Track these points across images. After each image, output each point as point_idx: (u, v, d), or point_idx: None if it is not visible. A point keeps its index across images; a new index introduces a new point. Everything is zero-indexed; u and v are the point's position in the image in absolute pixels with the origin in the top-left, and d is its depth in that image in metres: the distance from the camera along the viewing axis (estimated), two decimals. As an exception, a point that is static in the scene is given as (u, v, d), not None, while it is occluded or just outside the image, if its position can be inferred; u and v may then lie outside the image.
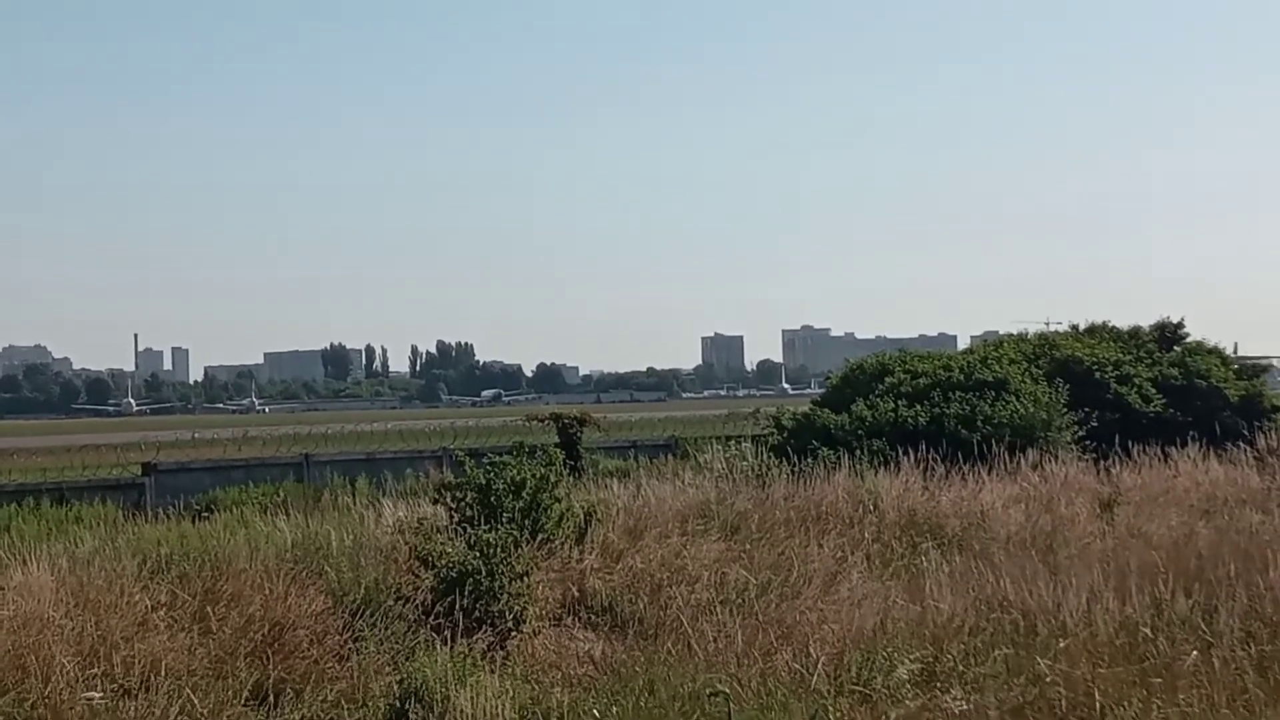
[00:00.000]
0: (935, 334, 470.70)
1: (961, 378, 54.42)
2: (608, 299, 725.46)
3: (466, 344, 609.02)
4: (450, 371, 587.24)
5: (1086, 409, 54.11)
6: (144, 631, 22.92)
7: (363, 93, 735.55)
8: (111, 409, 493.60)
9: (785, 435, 52.69)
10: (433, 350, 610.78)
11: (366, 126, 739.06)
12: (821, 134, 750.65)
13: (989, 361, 56.90)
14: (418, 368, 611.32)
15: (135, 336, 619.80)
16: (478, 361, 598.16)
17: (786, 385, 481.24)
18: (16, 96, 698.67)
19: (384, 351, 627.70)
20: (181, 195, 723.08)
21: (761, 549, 30.83)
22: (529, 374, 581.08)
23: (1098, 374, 58.38)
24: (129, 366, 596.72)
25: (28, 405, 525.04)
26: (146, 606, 23.83)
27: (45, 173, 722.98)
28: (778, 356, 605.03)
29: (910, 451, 43.18)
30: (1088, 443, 51.52)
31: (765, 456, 45.63)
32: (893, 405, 52.05)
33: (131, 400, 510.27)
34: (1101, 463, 47.71)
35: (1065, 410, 52.91)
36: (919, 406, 51.74)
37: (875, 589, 27.49)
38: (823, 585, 27.74)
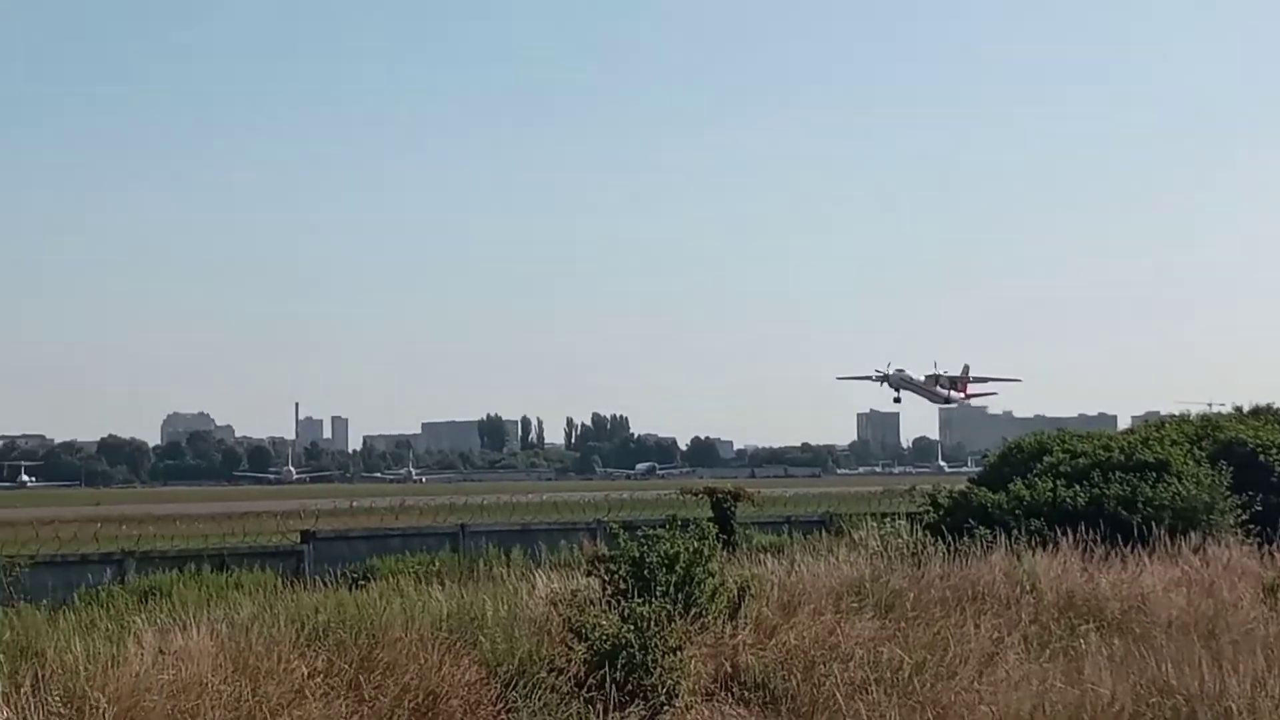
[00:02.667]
0: (1095, 413, 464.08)
1: (1122, 458, 53.61)
2: (764, 374, 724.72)
3: (622, 416, 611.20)
4: (605, 444, 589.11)
5: (1250, 492, 53.03)
6: (300, 699, 23.14)
7: (528, 168, 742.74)
8: (272, 476, 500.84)
9: (941, 513, 52.19)
10: (588, 422, 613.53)
11: (522, 196, 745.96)
12: (978, 213, 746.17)
13: (1150, 442, 56.02)
14: (573, 439, 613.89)
15: (296, 405, 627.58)
16: (633, 434, 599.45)
17: (943, 463, 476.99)
18: (191, 174, 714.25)
19: (540, 423, 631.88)
20: (342, 268, 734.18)
21: (916, 628, 30.53)
22: (683, 447, 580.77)
23: (1262, 457, 57.23)
24: (290, 435, 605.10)
25: (191, 472, 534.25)
26: (303, 674, 24.06)
27: (208, 247, 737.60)
28: (934, 434, 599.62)
29: (1069, 532, 42.62)
30: (1251, 526, 50.51)
31: (921, 534, 45.24)
32: (1051, 485, 51.39)
33: (291, 468, 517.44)
34: (1266, 547, 46.75)
35: (1228, 493, 51.90)
36: (1078, 486, 51.03)
37: (1032, 671, 27.10)
38: (979, 666, 27.40)
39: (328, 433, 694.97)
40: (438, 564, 55.94)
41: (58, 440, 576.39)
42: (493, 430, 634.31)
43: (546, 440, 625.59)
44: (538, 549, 58.25)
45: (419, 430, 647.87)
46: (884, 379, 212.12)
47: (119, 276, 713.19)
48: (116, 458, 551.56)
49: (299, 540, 63.65)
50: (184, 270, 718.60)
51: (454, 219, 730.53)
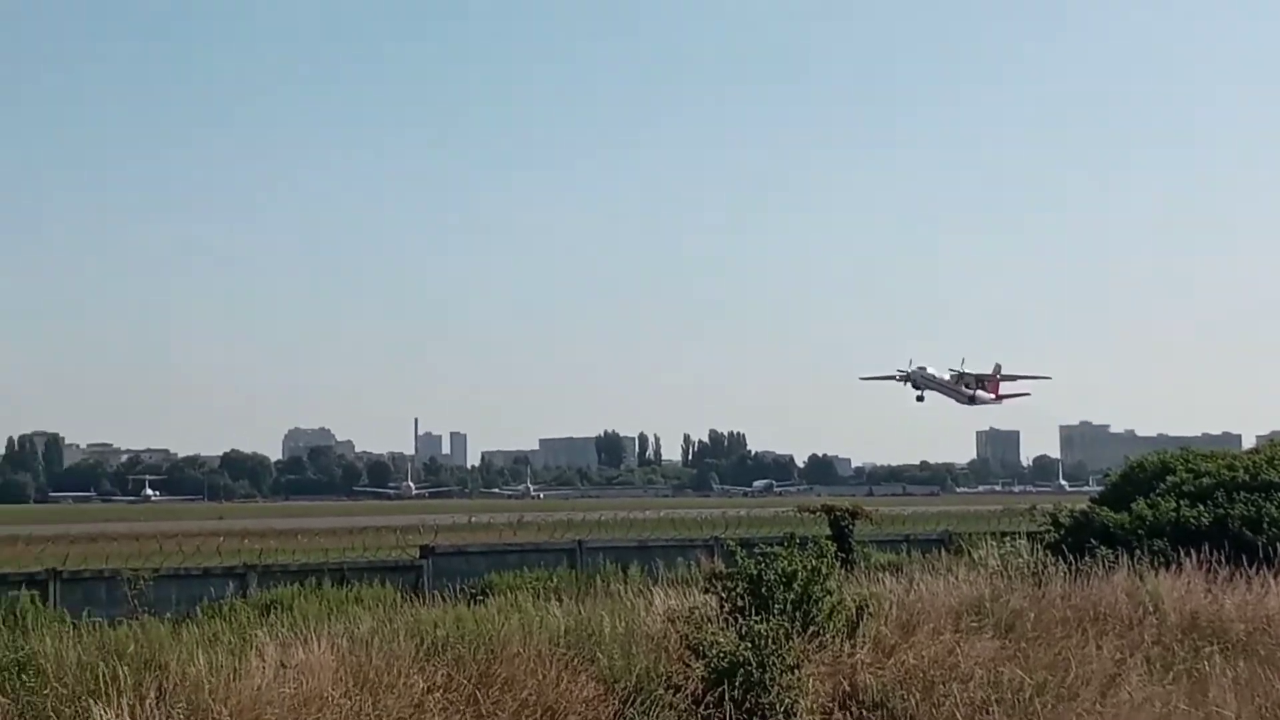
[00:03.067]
0: (1219, 433, 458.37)
1: (1247, 478, 52.82)
2: (882, 391, 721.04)
3: (739, 434, 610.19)
4: (722, 461, 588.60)
5: (1380, 513, 52.03)
6: (419, 713, 23.27)
7: (641, 189, 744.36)
8: (392, 492, 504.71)
9: (1062, 533, 51.69)
10: (705, 439, 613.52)
11: (636, 217, 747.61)
12: (1111, 235, 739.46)
13: (1276, 462, 55.14)
14: (690, 456, 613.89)
15: (416, 421, 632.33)
16: (750, 451, 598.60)
17: (1063, 482, 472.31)
18: (316, 198, 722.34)
19: (657, 440, 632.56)
20: (462, 287, 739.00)
21: (1037, 648, 30.24)
22: (801, 465, 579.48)
23: (1392, 476, 56.15)
24: (409, 450, 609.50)
25: (312, 487, 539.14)
26: (422, 688, 24.20)
27: (329, 265, 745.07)
28: (1055, 452, 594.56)
29: (1192, 552, 42.05)
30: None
31: (1041, 554, 44.81)
32: (1174, 504, 50.74)
33: (411, 484, 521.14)
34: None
35: (1357, 513, 50.96)
36: (1201, 506, 50.36)
37: (1155, 693, 26.77)
38: (1101, 688, 27.08)
39: (447, 448, 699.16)
40: (555, 580, 56.15)
41: (181, 455, 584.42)
42: (610, 447, 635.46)
43: (664, 457, 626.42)
44: (655, 566, 58.27)
45: (537, 446, 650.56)
46: (907, 378, 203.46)
47: (242, 295, 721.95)
48: (239, 472, 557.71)
49: (418, 555, 64.08)
50: (306, 288, 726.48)
51: (569, 240, 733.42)
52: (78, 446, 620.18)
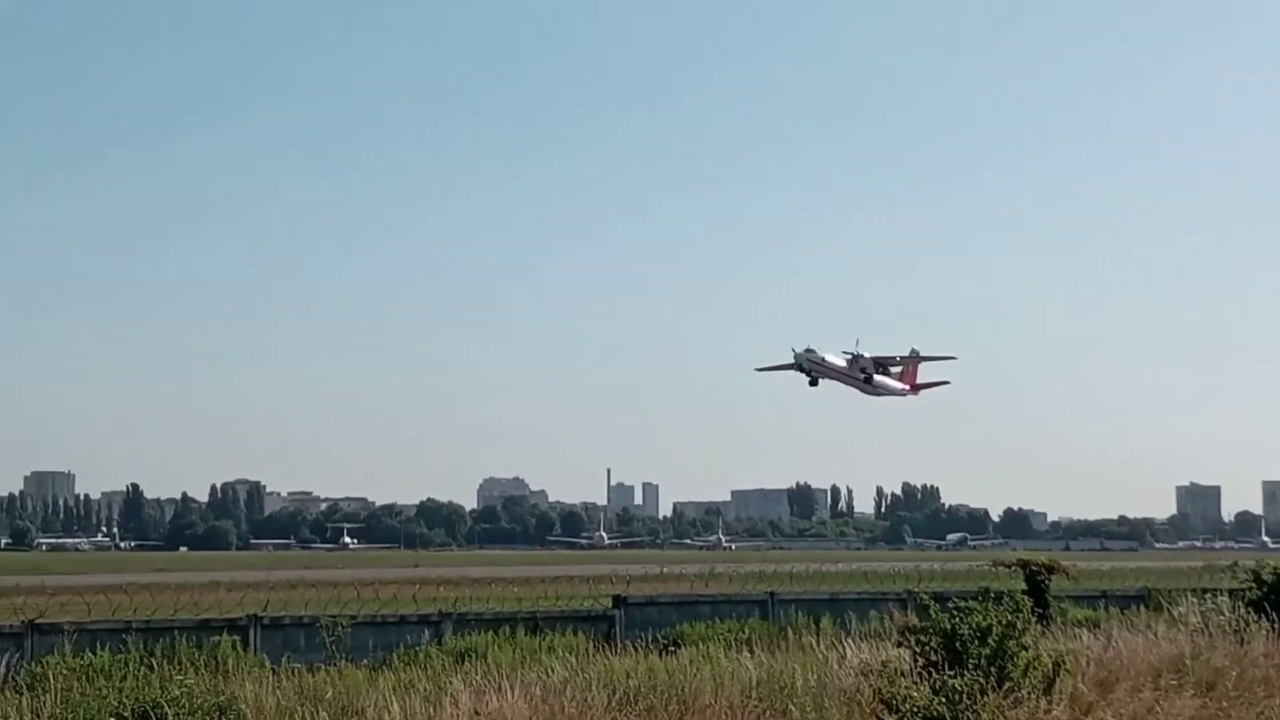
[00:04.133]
0: None
1: None
2: (1078, 445, 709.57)
3: (932, 486, 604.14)
4: (915, 513, 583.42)
5: None
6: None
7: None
8: (584, 541, 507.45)
9: (1265, 590, 50.58)
10: (898, 492, 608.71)
11: (824, 264, 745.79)
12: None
13: None
14: (882, 509, 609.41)
15: (608, 471, 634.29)
16: (943, 504, 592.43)
17: (1266, 538, 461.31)
18: (515, 256, 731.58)
19: (849, 491, 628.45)
20: (656, 337, 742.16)
21: (1240, 708, 29.63)
22: (995, 518, 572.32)
23: None
24: (601, 500, 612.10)
25: (505, 535, 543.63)
26: (614, 737, 24.31)
27: (526, 317, 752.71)
28: (1257, 508, 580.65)
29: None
30: None
31: (1243, 611, 43.90)
32: (1383, 562, 49.48)
33: (603, 533, 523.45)
34: None
35: None
36: None
37: (1363, 756, 26.07)
38: (1306, 749, 26.46)
39: (639, 499, 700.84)
40: (747, 631, 56.03)
41: (379, 503, 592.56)
42: (802, 498, 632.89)
43: (856, 509, 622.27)
44: (847, 618, 57.95)
45: (728, 497, 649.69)
46: (796, 364, 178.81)
47: (440, 347, 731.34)
48: (434, 520, 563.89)
49: (610, 605, 64.35)
50: (501, 339, 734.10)
51: (756, 286, 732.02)
52: (279, 494, 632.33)
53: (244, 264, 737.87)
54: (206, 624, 57.33)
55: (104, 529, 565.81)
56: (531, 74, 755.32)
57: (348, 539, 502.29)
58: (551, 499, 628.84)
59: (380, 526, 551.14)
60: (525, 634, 57.43)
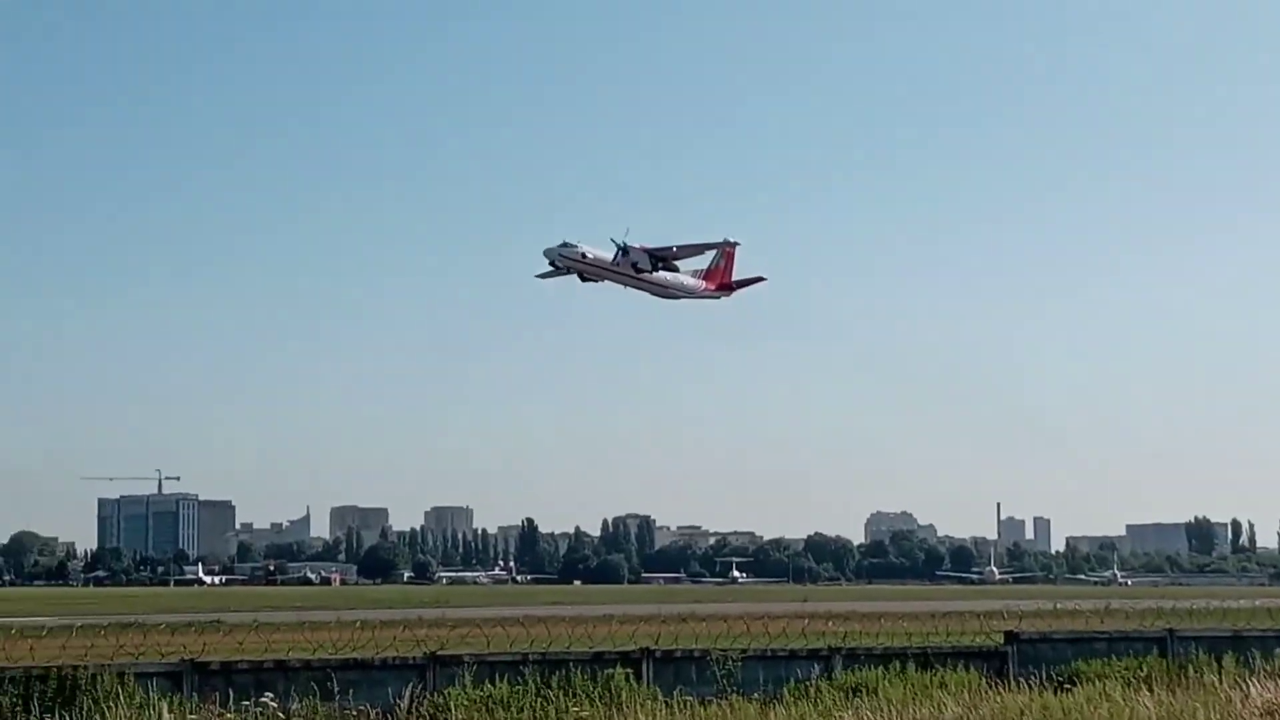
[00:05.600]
0: None
1: None
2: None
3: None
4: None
5: None
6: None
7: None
8: (974, 576, 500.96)
9: None
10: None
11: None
12: None
13: None
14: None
15: (998, 506, 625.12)
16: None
17: None
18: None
19: (1250, 526, 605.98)
20: (1040, 373, 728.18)
21: None
22: None
23: None
24: (991, 534, 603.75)
25: (893, 570, 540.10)
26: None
27: (900, 357, 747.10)
28: None
29: None
30: None
31: None
32: None
33: (994, 568, 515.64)
34: None
35: None
36: None
37: None
38: None
39: (1029, 533, 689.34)
40: (1144, 668, 54.59)
41: (767, 537, 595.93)
42: (1200, 533, 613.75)
43: (1259, 544, 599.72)
44: (1251, 656, 55.90)
45: (1123, 532, 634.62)
46: (552, 265, 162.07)
47: (825, 383, 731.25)
48: (822, 555, 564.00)
49: (1002, 641, 63.39)
50: (889, 377, 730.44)
51: (1153, 314, 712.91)
52: (668, 529, 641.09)
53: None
54: (600, 656, 58.27)
55: (501, 562, 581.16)
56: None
57: (736, 573, 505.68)
58: (940, 533, 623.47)
59: (768, 560, 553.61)
60: (916, 670, 56.99)
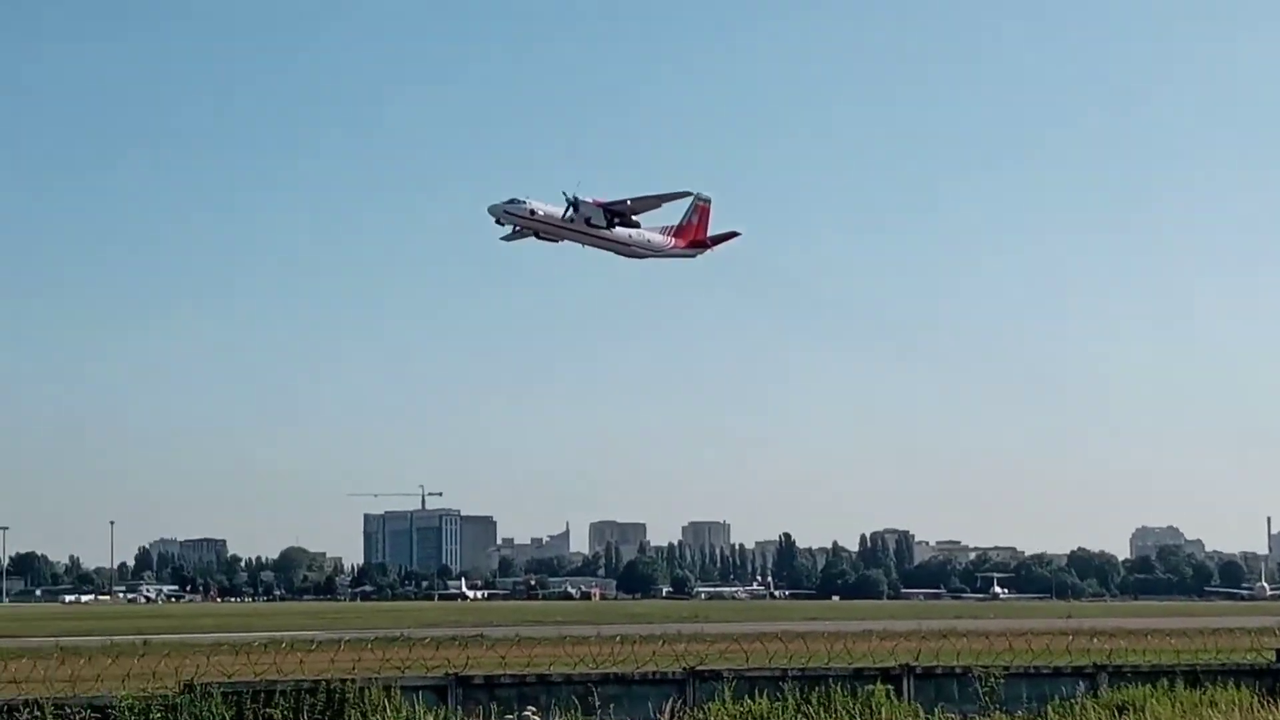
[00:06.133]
0: None
1: None
2: None
3: None
4: None
5: None
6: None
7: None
8: (1244, 592, 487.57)
9: None
10: None
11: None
12: None
13: None
14: None
15: (1268, 520, 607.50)
16: None
17: None
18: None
19: None
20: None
21: None
22: None
23: None
24: (1262, 550, 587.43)
25: (1159, 586, 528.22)
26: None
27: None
28: None
29: None
30: None
31: None
32: None
33: (1265, 584, 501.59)
34: None
35: None
36: None
37: None
38: None
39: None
40: None
41: (1028, 552, 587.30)
42: None
43: None
44: None
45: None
46: (499, 224, 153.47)
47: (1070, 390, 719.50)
48: (1085, 570, 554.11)
49: (1274, 659, 61.84)
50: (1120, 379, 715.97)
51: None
52: (927, 544, 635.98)
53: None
54: (860, 673, 58.13)
55: (758, 578, 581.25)
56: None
57: (998, 588, 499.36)
58: (1208, 548, 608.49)
59: (1030, 576, 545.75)
60: (1184, 687, 55.88)
